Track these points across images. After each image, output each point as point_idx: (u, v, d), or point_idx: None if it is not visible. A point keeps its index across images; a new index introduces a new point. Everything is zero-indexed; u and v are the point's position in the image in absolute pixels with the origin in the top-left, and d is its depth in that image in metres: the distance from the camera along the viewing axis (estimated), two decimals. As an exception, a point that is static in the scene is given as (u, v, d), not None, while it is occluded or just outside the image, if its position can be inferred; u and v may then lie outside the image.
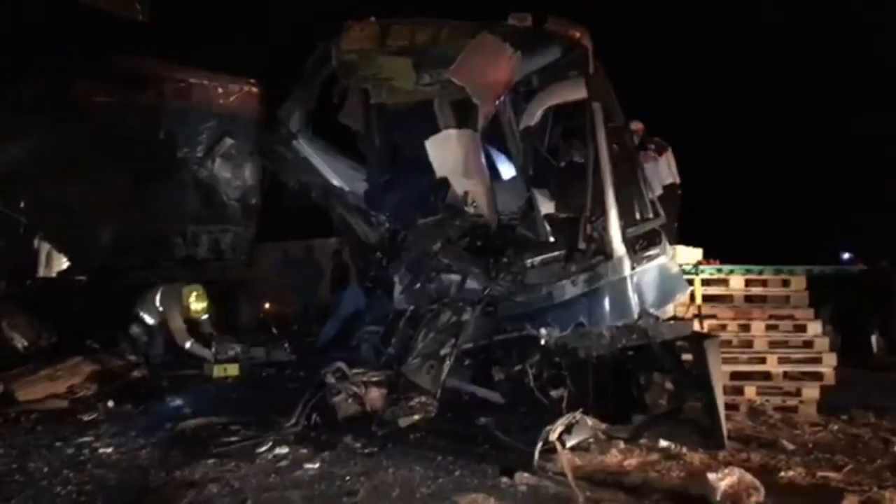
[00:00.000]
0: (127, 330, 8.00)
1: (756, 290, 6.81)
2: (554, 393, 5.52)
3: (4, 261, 9.88)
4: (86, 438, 5.20)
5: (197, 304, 8.02)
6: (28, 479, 4.33)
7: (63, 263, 10.68)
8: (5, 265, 9.81)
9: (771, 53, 15.09)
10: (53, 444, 5.05)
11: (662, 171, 7.95)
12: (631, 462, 4.69)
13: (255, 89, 11.00)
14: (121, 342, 7.95)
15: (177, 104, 10.46)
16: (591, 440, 4.95)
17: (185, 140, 10.48)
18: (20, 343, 8.22)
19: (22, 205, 10.05)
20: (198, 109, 10.62)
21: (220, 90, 10.87)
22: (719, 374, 5.34)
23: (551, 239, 6.41)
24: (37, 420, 5.85)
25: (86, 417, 5.94)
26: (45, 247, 10.81)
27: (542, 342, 5.75)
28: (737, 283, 6.79)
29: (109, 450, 4.96)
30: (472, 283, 6.33)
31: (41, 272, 10.79)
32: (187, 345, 7.82)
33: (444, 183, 6.70)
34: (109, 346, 7.94)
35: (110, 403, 6.37)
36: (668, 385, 5.77)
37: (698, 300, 6.60)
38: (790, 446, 5.15)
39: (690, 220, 7.49)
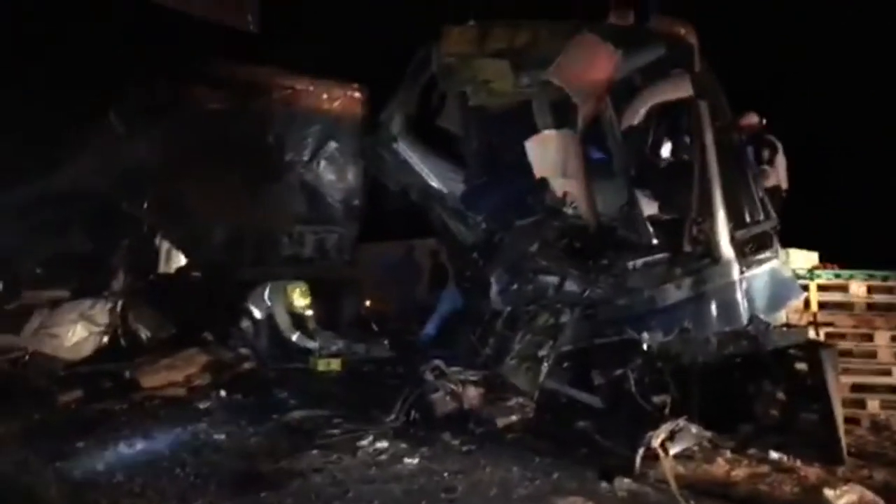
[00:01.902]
0: (237, 324, 8.45)
1: (880, 298, 6.35)
2: (656, 399, 5.37)
3: (130, 258, 10.62)
4: (201, 425, 5.52)
5: (300, 300, 8.36)
6: (151, 460, 4.65)
7: (181, 260, 11.37)
8: (131, 262, 10.54)
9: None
10: (173, 429, 5.39)
11: (770, 173, 7.57)
12: (738, 473, 4.50)
13: (358, 94, 11.35)
14: (232, 335, 8.41)
15: (284, 110, 10.96)
16: (695, 448, 4.79)
17: (292, 144, 10.95)
18: (144, 334, 8.83)
19: (145, 205, 10.78)
20: (304, 114, 11.07)
21: (324, 95, 11.29)
22: (837, 385, 5.02)
23: (654, 241, 6.24)
24: (158, 406, 6.27)
25: (201, 405, 6.29)
26: (164, 245, 11.55)
27: (644, 347, 5.62)
28: (858, 289, 6.36)
29: (222, 437, 5.24)
30: (570, 286, 6.26)
31: (161, 268, 11.53)
32: (294, 337, 8.18)
33: (543, 184, 6.65)
34: (222, 339, 8.42)
35: (222, 393, 6.72)
36: (780, 395, 5.48)
37: (814, 307, 6.23)
38: (918, 465, 4.78)
39: (806, 221, 7.07)
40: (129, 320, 8.79)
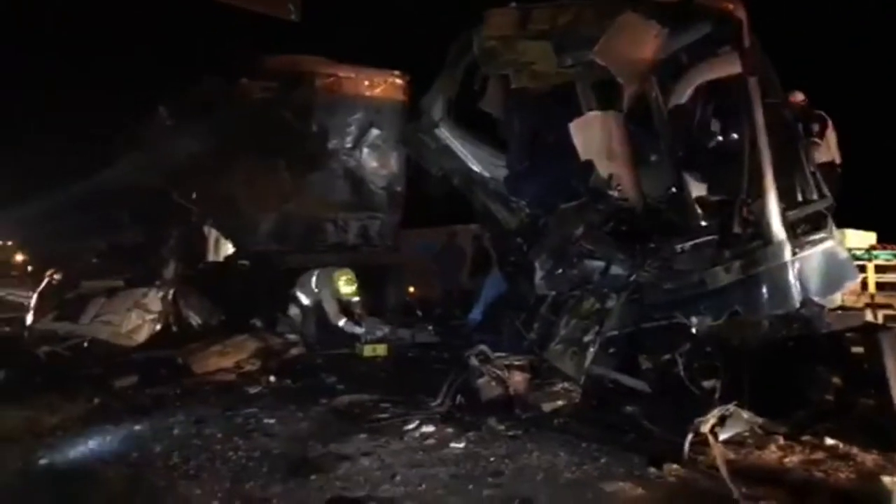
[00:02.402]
0: (285, 310, 8.61)
1: (941, 279, 6.12)
2: (706, 383, 5.28)
3: (180, 247, 10.90)
4: (251, 409, 5.65)
5: (346, 287, 8.46)
6: (205, 444, 4.77)
7: (229, 248, 11.61)
8: (181, 250, 10.82)
9: None
10: (224, 413, 5.53)
11: (822, 149, 7.31)
12: (792, 459, 4.39)
13: (399, 80, 11.35)
14: (280, 322, 8.57)
15: (327, 98, 11.04)
16: (746, 434, 4.68)
17: (335, 132, 11.04)
18: (195, 321, 9.07)
19: (194, 195, 11.02)
20: (346, 102, 11.14)
21: (366, 83, 11.32)
22: (895, 368, 4.85)
23: (703, 223, 6.10)
24: (210, 391, 6.43)
25: (251, 390, 6.44)
26: (213, 233, 11.80)
27: (693, 331, 5.52)
28: (918, 270, 6.14)
29: (272, 421, 5.35)
30: (616, 270, 6.20)
31: (211, 257, 11.79)
32: (341, 323, 8.30)
33: (588, 166, 6.57)
34: (270, 325, 8.59)
35: (272, 378, 6.86)
36: (835, 380, 5.31)
37: (871, 289, 6.04)
38: (980, 453, 4.59)
39: (863, 200, 6.84)
40: (180, 308, 9.04)
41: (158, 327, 8.75)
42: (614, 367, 5.96)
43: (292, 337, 8.27)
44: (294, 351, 7.93)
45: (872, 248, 6.27)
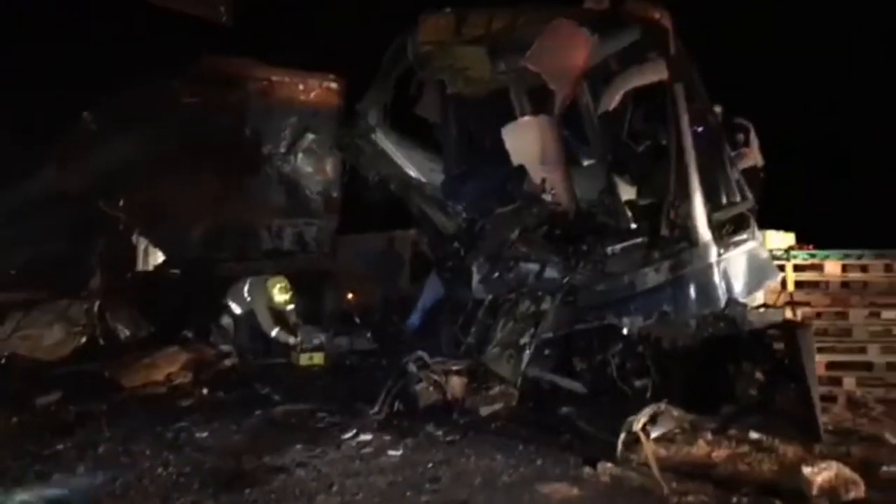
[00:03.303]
0: (218, 320, 8.39)
1: (854, 276, 6.43)
2: (637, 383, 5.42)
3: (107, 257, 10.51)
4: (182, 423, 5.47)
5: (280, 296, 8.31)
6: (132, 461, 4.60)
7: (159, 258, 11.27)
8: (108, 260, 10.44)
9: (867, 14, 14.20)
10: (154, 429, 5.33)
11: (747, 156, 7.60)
12: (719, 454, 4.54)
13: (334, 84, 11.28)
14: (213, 332, 8.35)
15: (260, 102, 10.87)
16: (676, 431, 4.82)
17: (269, 136, 10.87)
18: (123, 333, 8.76)
19: (121, 203, 10.65)
20: (280, 106, 10.99)
21: (300, 86, 11.20)
22: (814, 363, 5.08)
23: (632, 226, 6.27)
24: (138, 405, 6.20)
25: (182, 403, 6.25)
26: (142, 242, 11.43)
27: (625, 331, 5.66)
28: (832, 268, 6.44)
29: (204, 434, 5.20)
30: (551, 272, 6.28)
31: (140, 267, 11.42)
32: (273, 332, 8.13)
33: (522, 171, 6.65)
34: (202, 336, 8.36)
35: (204, 390, 6.68)
36: (759, 375, 5.53)
37: (790, 287, 6.30)
38: (893, 440, 4.85)
39: (782, 202, 7.14)
40: (107, 320, 8.72)
41: (84, 340, 8.41)
42: (550, 368, 6.05)
43: (225, 347, 8.06)
44: (227, 362, 7.74)
45: (791, 248, 6.54)
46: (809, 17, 14.20)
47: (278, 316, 8.33)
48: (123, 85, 10.68)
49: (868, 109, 13.90)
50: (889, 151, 13.98)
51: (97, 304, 8.76)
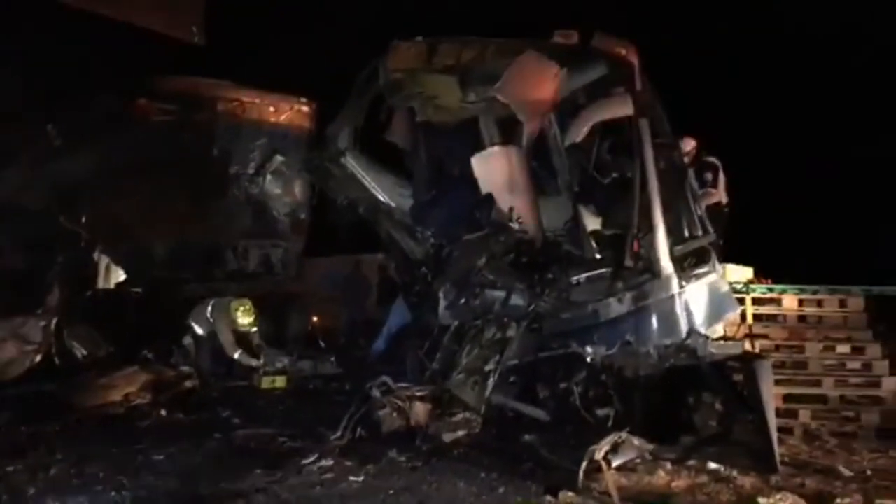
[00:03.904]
0: (180, 341, 8.25)
1: (810, 311, 6.62)
2: (600, 412, 5.47)
3: (66, 273, 10.26)
4: (139, 446, 5.34)
5: (244, 318, 8.21)
6: (84, 484, 4.46)
7: (120, 276, 11.05)
8: (67, 277, 10.19)
9: (826, 66, 14.83)
10: (110, 451, 5.19)
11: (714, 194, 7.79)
12: (679, 484, 4.59)
13: (305, 107, 11.29)
14: (174, 353, 8.20)
15: (230, 122, 10.81)
16: (637, 460, 4.86)
17: (237, 157, 10.80)
18: (79, 352, 8.54)
19: (83, 219, 10.45)
20: (250, 127, 10.95)
21: (271, 108, 11.19)
22: (771, 395, 5.18)
23: (597, 256, 6.38)
24: (94, 427, 6.05)
25: (140, 425, 6.11)
26: (104, 259, 11.21)
27: (588, 360, 5.72)
28: (790, 302, 6.62)
29: (161, 457, 5.08)
30: (516, 300, 6.34)
31: (100, 284, 11.17)
32: (236, 355, 8.02)
33: (490, 199, 6.73)
34: (163, 357, 8.19)
35: (163, 412, 6.54)
36: (718, 406, 5.63)
37: (749, 320, 6.45)
38: (847, 473, 4.96)
39: (742, 238, 7.33)
40: (64, 338, 8.49)
41: (38, 359, 8.16)
42: (514, 396, 6.08)
43: (186, 369, 7.91)
44: (188, 383, 7.58)
45: (750, 282, 6.71)
46: (771, 57, 14.76)
47: (241, 338, 8.23)
48: (90, 100, 10.54)
49: (826, 151, 14.47)
50: (845, 193, 14.53)
51: (54, 321, 8.52)
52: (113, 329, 8.98)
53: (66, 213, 10.52)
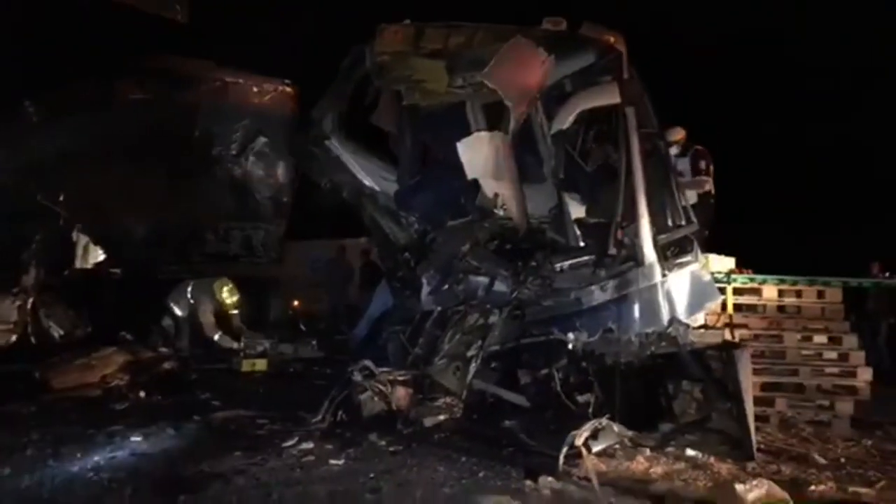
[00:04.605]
0: (159, 322, 8.17)
1: (789, 301, 6.69)
2: (581, 398, 5.49)
3: (44, 251, 10.11)
4: (117, 427, 5.28)
5: (230, 297, 8.17)
6: (62, 465, 4.42)
7: (99, 255, 10.91)
8: (45, 256, 10.04)
9: (811, 61, 14.98)
10: (86, 432, 5.14)
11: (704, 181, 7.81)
12: (657, 470, 4.63)
13: (289, 89, 11.17)
14: (153, 334, 8.12)
15: (212, 103, 10.67)
16: (617, 446, 4.90)
17: (219, 138, 10.67)
18: (56, 332, 8.44)
19: (62, 197, 10.29)
20: (233, 108, 10.82)
21: (254, 89, 11.06)
22: (749, 384, 5.24)
23: (581, 243, 6.39)
24: (70, 408, 5.98)
25: (117, 407, 6.05)
26: (82, 239, 11.05)
27: (570, 347, 5.74)
28: (769, 292, 6.68)
29: (139, 438, 5.04)
30: (500, 286, 6.34)
31: (78, 264, 11.02)
32: (216, 337, 7.97)
33: (475, 185, 6.71)
34: (142, 338, 8.11)
35: (142, 394, 6.48)
36: (697, 394, 5.68)
37: (730, 309, 6.50)
38: (822, 460, 5.05)
39: (724, 228, 7.39)
40: (40, 318, 8.38)
41: (14, 339, 8.06)
42: (495, 381, 6.08)
43: (165, 350, 7.85)
44: (166, 365, 7.52)
45: (731, 271, 6.76)
46: (756, 52, 14.86)
47: (221, 319, 8.17)
48: (70, 76, 10.34)
49: (808, 145, 14.64)
50: (826, 185, 14.72)
51: (30, 301, 8.41)
52: (90, 309, 8.88)
53: (44, 192, 10.35)
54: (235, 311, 8.29)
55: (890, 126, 13.95)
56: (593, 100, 6.47)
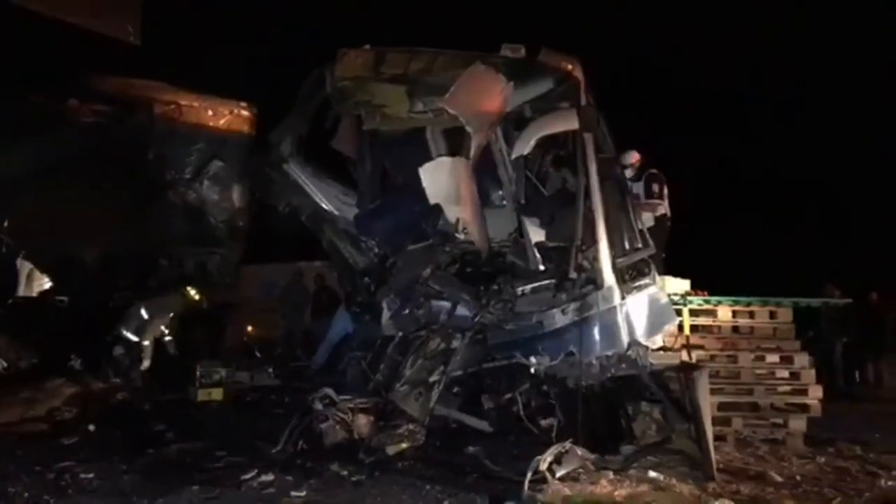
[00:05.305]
0: (109, 351, 7.90)
1: (743, 322, 6.84)
2: (543, 422, 5.51)
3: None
4: (66, 463, 5.08)
5: (197, 295, 8.10)
6: (6, 505, 4.22)
7: (45, 283, 10.52)
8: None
9: (766, 83, 15.61)
10: (33, 469, 4.92)
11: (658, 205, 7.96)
12: (621, 493, 4.65)
13: (245, 112, 11.05)
14: (103, 364, 7.84)
15: (166, 125, 10.47)
16: (580, 470, 4.91)
17: (173, 161, 10.47)
18: (0, 364, 8.07)
19: (5, 223, 9.92)
20: (187, 131, 10.63)
21: (209, 112, 10.90)
22: (708, 404, 5.33)
23: (542, 267, 6.43)
24: (16, 443, 5.72)
25: (66, 441, 5.82)
26: (26, 266, 10.65)
27: (532, 371, 5.76)
28: (724, 314, 6.83)
29: (90, 475, 4.84)
30: (462, 310, 6.33)
31: (23, 292, 10.61)
32: (167, 340, 7.94)
33: (436, 209, 6.71)
34: (91, 368, 7.82)
35: (91, 427, 6.24)
36: (657, 415, 5.75)
37: (686, 331, 6.62)
38: (778, 478, 5.14)
39: (679, 251, 7.54)
40: (-19, 349, 8.02)
41: (-47, 371, 7.69)
42: (458, 407, 6.06)
43: (116, 380, 7.59)
44: (118, 396, 7.28)
45: (687, 293, 6.88)
46: (709, 74, 15.35)
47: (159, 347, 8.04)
48: (18, 99, 10.01)
49: (760, 166, 15.18)
50: (775, 209, 15.27)
51: (-30, 331, 8.05)
52: (37, 339, 8.53)
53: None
54: (168, 339, 8.15)
55: (843, 147, 14.59)
56: (552, 125, 6.56)
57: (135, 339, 7.92)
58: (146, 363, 7.83)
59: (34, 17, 9.31)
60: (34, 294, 10.58)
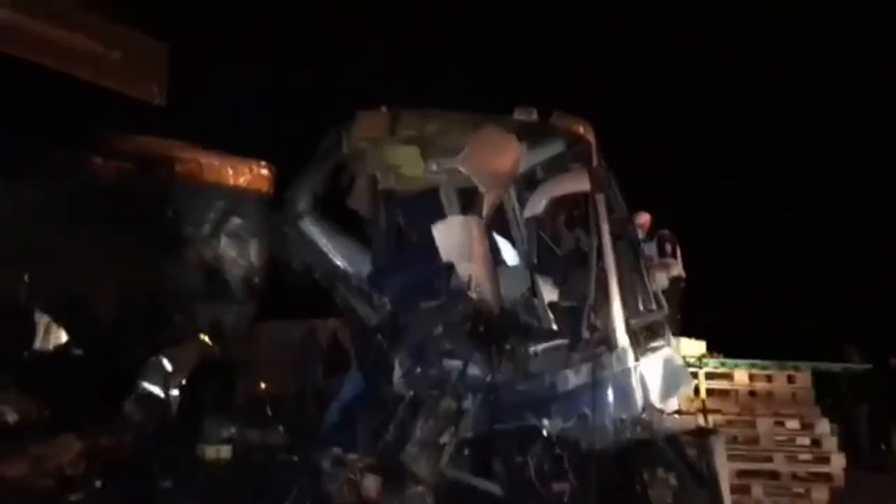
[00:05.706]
0: (122, 406, 7.87)
1: (760, 385, 6.74)
2: (555, 486, 5.37)
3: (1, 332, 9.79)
4: (71, 521, 5.02)
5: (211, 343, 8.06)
6: (8, 564, 4.15)
7: (61, 337, 10.59)
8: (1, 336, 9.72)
9: (784, 139, 15.67)
10: (37, 527, 4.87)
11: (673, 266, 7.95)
12: (635, 563, 4.51)
13: (265, 171, 11.24)
14: (115, 418, 7.80)
15: (186, 183, 10.66)
16: (593, 538, 4.78)
17: (192, 218, 10.61)
18: (11, 417, 8.04)
19: (26, 277, 10.06)
20: (207, 188, 10.81)
21: (229, 170, 11.10)
22: (725, 471, 5.22)
23: (554, 327, 6.40)
24: (20, 500, 5.66)
25: (72, 498, 5.76)
26: (44, 319, 10.74)
27: (544, 433, 5.66)
28: (741, 377, 6.73)
29: (94, 534, 4.78)
30: (473, 370, 6.28)
31: (38, 345, 10.67)
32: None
33: (449, 267, 6.74)
34: (103, 423, 7.78)
35: (98, 483, 6.17)
36: (673, 481, 5.60)
37: (702, 394, 6.51)
38: (800, 551, 4.96)
39: (694, 312, 7.49)
40: (-7, 403, 8.00)
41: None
42: (469, 469, 5.94)
43: (127, 436, 7.52)
44: (127, 451, 7.21)
45: (703, 356, 6.80)
46: (725, 135, 15.51)
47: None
48: (40, 154, 10.30)
49: (770, 228, 15.13)
50: (792, 270, 15.14)
51: (-19, 385, 8.05)
52: (50, 393, 8.52)
53: (7, 270, 10.11)
54: (175, 393, 8.07)
55: (862, 206, 14.54)
56: (564, 186, 6.65)
57: (159, 392, 7.90)
58: (172, 413, 7.77)
59: (59, 76, 9.64)
60: (50, 347, 10.64)
